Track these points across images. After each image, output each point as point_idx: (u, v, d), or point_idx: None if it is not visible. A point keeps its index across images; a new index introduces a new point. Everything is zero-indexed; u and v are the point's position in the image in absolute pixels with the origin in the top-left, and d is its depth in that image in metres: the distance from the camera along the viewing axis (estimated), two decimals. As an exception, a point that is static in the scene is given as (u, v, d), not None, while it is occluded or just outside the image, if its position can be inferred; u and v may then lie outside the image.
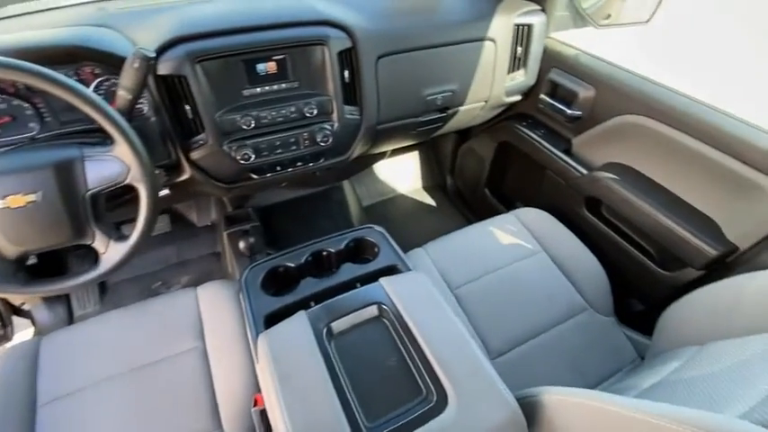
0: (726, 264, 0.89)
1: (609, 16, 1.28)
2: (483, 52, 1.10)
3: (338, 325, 0.68)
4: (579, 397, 0.52)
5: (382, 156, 1.58)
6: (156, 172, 0.84)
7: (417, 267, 0.93)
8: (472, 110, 1.23)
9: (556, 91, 1.21)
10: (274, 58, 0.86)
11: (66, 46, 0.71)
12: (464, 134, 1.65)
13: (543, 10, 1.14)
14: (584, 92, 1.10)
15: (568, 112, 1.15)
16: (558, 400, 0.56)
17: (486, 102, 1.22)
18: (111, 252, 0.69)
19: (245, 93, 0.87)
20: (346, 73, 0.94)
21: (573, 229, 1.11)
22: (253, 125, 0.88)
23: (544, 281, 1.01)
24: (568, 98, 1.16)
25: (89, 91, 0.61)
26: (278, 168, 0.99)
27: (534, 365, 0.88)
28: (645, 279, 1.07)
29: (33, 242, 0.64)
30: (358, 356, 0.65)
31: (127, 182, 0.66)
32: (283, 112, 0.90)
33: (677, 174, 0.96)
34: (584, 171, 1.14)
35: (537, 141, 1.27)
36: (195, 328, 0.85)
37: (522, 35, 1.14)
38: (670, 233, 0.93)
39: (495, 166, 1.54)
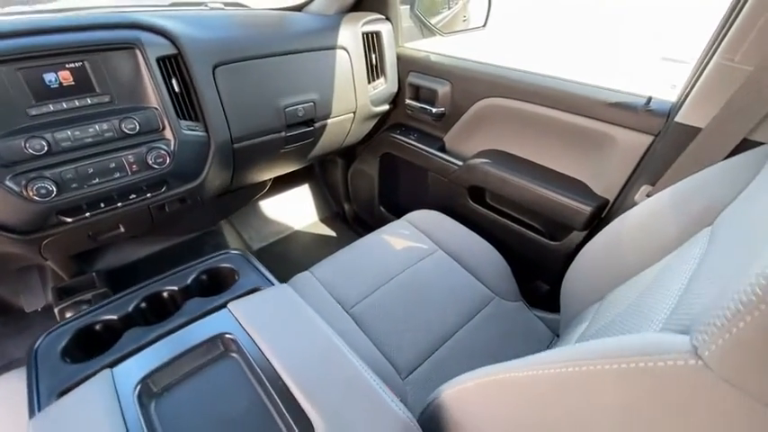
0: (604, 219, 0.91)
1: (448, 26, 1.38)
2: (337, 61, 1.07)
3: (161, 378, 0.49)
4: (474, 379, 0.41)
5: (263, 187, 1.44)
6: None
7: (303, 293, 0.78)
8: (342, 122, 1.17)
9: (418, 94, 1.23)
10: (68, 66, 0.70)
11: None
12: (350, 158, 1.60)
13: (388, 19, 1.17)
14: (442, 88, 1.12)
15: (433, 110, 1.16)
16: (456, 391, 0.44)
17: (354, 113, 1.18)
18: None
19: (32, 112, 0.69)
20: (175, 83, 0.81)
21: (465, 224, 1.07)
22: (46, 150, 0.69)
23: (445, 278, 0.93)
24: (431, 98, 1.17)
25: None
26: (101, 205, 0.79)
27: (451, 370, 0.76)
28: (541, 255, 1.05)
29: None
30: (191, 414, 0.46)
31: None
32: (91, 131, 0.73)
33: (539, 145, 0.98)
34: (460, 163, 1.13)
35: (413, 145, 1.26)
36: None
37: (373, 43, 1.15)
38: (548, 202, 0.93)
39: (383, 181, 1.49)
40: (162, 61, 0.79)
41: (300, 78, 1.02)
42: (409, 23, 1.31)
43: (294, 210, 1.73)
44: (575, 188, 0.92)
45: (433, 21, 1.39)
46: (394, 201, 1.54)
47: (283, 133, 1.04)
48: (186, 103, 0.85)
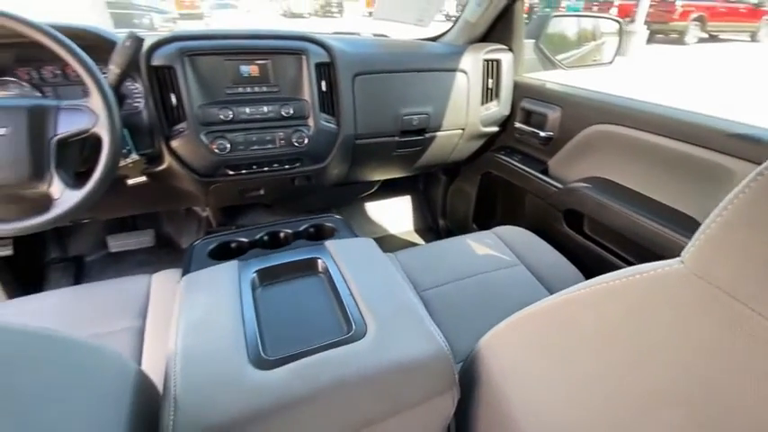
0: None
1: (577, 61, 1.41)
2: (456, 82, 1.20)
3: (266, 276, 0.65)
4: (505, 321, 0.47)
5: (370, 187, 1.62)
6: (137, 158, 0.90)
7: None
8: (451, 137, 1.29)
9: (529, 118, 1.28)
10: (257, 62, 0.97)
11: (81, 29, 0.84)
12: (453, 176, 1.70)
13: (510, 50, 1.27)
14: (552, 113, 1.16)
15: (541, 134, 1.20)
16: (490, 337, 0.51)
17: (463, 130, 1.28)
18: (64, 198, 0.71)
19: (228, 91, 0.97)
20: (323, 84, 1.04)
21: (556, 247, 1.06)
22: (231, 117, 0.95)
23: (520, 290, 0.94)
24: (540, 122, 1.21)
25: (77, 48, 0.70)
26: (254, 167, 1.04)
27: None
28: None
29: None
30: (282, 303, 0.60)
31: (93, 130, 0.71)
32: (262, 110, 0.98)
33: (647, 174, 0.94)
34: (560, 186, 1.13)
35: (515, 166, 1.30)
36: (139, 308, 0.82)
37: (492, 69, 1.25)
38: (649, 233, 0.88)
39: (480, 199, 1.54)
40: (318, 66, 1.02)
41: (421, 93, 1.17)
42: (532, 56, 1.39)
43: (393, 216, 1.88)
44: (681, 222, 0.85)
45: (560, 56, 1.44)
46: (488, 219, 1.57)
47: (396, 138, 1.20)
48: (328, 101, 1.06)
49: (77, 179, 0.74)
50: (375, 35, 1.38)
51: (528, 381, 0.44)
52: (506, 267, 1.00)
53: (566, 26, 1.56)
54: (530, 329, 0.45)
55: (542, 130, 1.20)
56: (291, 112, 1.00)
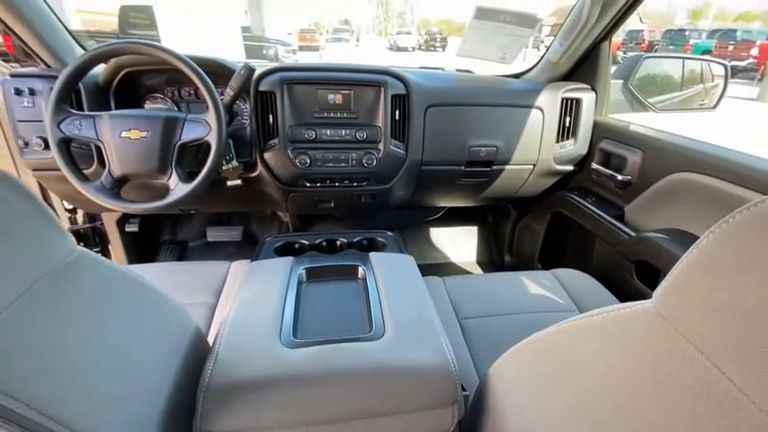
0: None
1: (672, 105, 1.31)
2: (529, 118, 1.21)
3: (315, 272, 0.74)
4: (510, 350, 0.49)
5: (436, 212, 1.66)
6: (237, 165, 1.09)
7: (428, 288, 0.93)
8: (520, 171, 1.29)
9: (608, 160, 1.21)
10: (342, 91, 1.11)
11: (210, 59, 1.06)
12: (524, 211, 1.67)
13: (593, 89, 1.24)
14: (633, 156, 1.09)
15: (619, 177, 1.13)
16: (496, 366, 0.52)
17: (534, 165, 1.27)
18: (177, 189, 0.90)
19: (315, 115, 1.12)
20: (397, 113, 1.14)
21: (620, 298, 0.98)
22: (314, 137, 1.10)
23: None
24: (619, 165, 1.15)
25: (203, 74, 0.89)
26: (327, 181, 1.17)
27: None
28: None
29: (132, 167, 0.89)
30: (321, 298, 0.69)
31: (206, 138, 0.90)
32: (340, 132, 1.12)
33: None
34: (633, 234, 1.05)
35: (588, 208, 1.23)
36: (216, 288, 0.97)
37: (570, 107, 1.23)
38: None
39: (548, 238, 1.48)
40: (394, 97, 1.12)
41: (491, 126, 1.21)
42: (620, 96, 1.33)
43: (457, 245, 1.89)
44: None
45: (657, 98, 1.35)
46: (554, 259, 1.49)
47: (462, 167, 1.24)
48: (399, 128, 1.16)
49: (189, 176, 0.93)
50: (459, 70, 1.46)
51: (524, 409, 0.44)
52: (558, 311, 0.95)
53: (667, 68, 1.46)
54: (526, 359, 0.46)
55: (620, 173, 1.13)
56: (365, 136, 1.12)
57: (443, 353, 0.54)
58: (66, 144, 0.88)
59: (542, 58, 1.32)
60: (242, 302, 0.64)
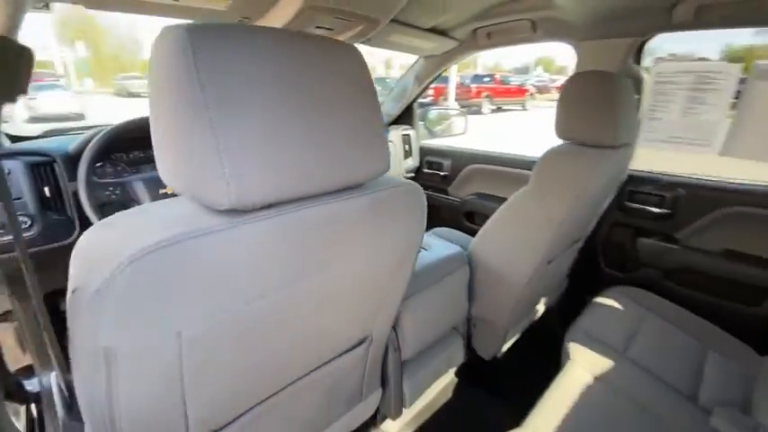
0: None
1: (444, 131, 2.39)
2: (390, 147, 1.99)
3: None
4: None
5: None
6: None
7: None
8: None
9: (431, 166, 2.15)
10: None
11: None
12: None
13: (413, 127, 2.16)
14: (446, 162, 2.05)
15: (441, 174, 2.06)
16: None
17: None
18: None
19: None
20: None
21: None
22: None
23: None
24: (439, 167, 2.09)
25: None
26: None
27: None
28: None
29: None
30: None
31: None
32: None
33: (507, 189, 1.87)
34: (458, 199, 2.00)
35: (429, 194, 2.13)
36: None
37: (407, 139, 2.10)
38: None
39: None
40: None
41: None
42: (424, 130, 2.31)
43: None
44: None
45: (437, 129, 2.41)
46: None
47: None
48: None
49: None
50: None
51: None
52: None
53: (436, 113, 2.58)
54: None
55: (441, 171, 2.07)
56: None
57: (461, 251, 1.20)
58: None
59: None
60: None
